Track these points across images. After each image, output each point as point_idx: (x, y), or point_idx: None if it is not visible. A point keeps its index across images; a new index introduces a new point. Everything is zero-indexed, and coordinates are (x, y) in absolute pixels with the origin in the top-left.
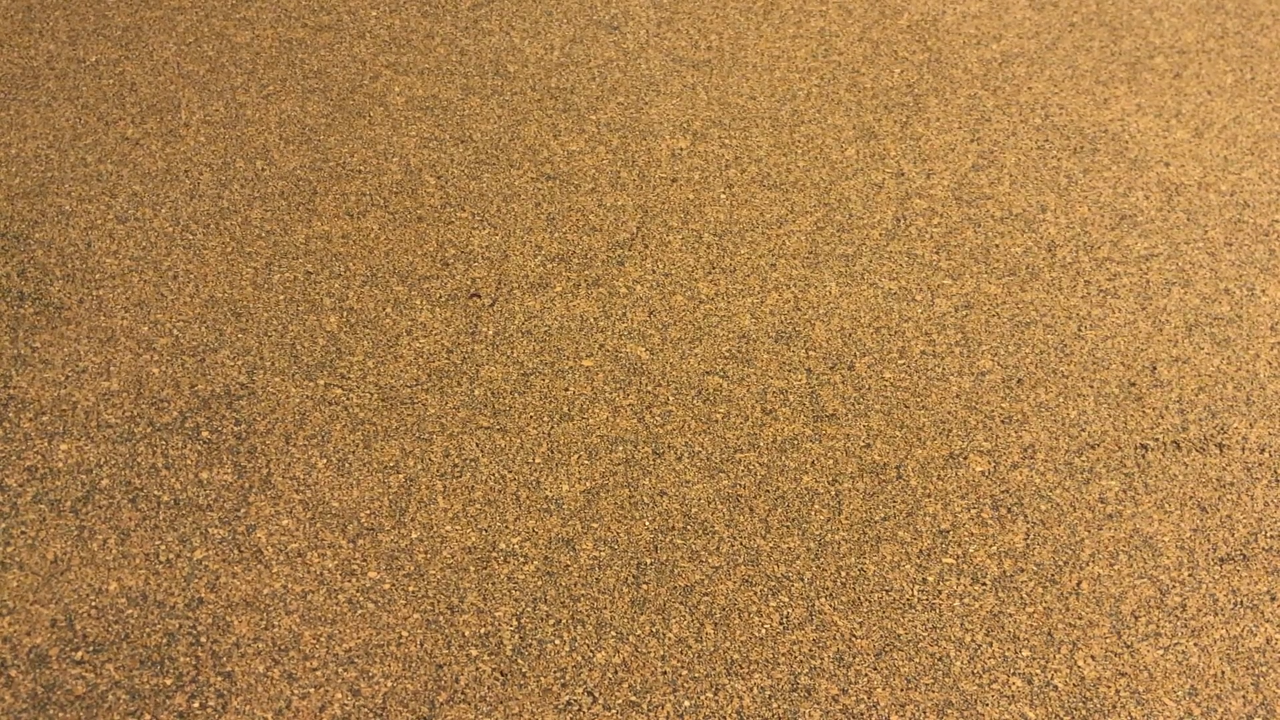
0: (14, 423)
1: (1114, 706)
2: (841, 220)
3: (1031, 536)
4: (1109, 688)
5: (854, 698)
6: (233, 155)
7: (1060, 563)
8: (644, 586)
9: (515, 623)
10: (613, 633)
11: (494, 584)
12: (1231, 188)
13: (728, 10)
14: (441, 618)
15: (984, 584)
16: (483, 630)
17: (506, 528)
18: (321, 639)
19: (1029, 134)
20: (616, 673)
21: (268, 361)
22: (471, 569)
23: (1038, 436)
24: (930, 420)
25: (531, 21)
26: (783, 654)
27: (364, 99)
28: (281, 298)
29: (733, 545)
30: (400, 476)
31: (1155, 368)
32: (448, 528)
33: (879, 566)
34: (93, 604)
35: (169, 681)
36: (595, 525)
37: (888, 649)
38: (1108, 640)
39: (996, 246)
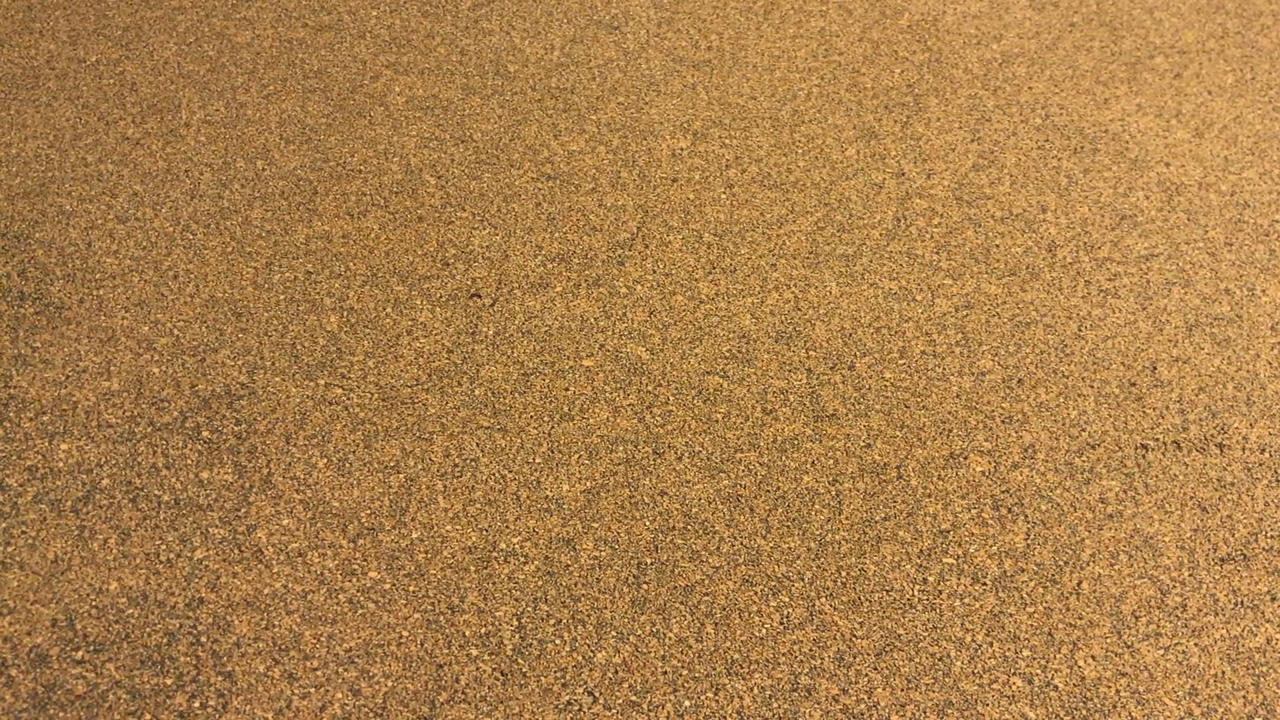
0: (14, 423)
1: (1114, 706)
2: (842, 220)
3: (1032, 536)
4: (1109, 688)
5: (854, 698)
6: (233, 155)
7: (1060, 563)
8: (644, 586)
9: (515, 623)
10: (613, 633)
11: (494, 584)
12: (1232, 188)
13: (728, 10)
14: (442, 618)
15: (984, 584)
16: (483, 630)
17: (507, 527)
18: (322, 639)
19: (1029, 134)
20: (617, 673)
21: (268, 361)
22: (472, 569)
23: (1038, 436)
24: (930, 420)
25: (531, 21)
26: (783, 654)
27: (364, 99)
28: (282, 298)
29: (733, 545)
30: (400, 476)
31: (1155, 368)
32: (448, 527)
33: (879, 566)
34: (93, 604)
35: (169, 681)
36: (595, 525)
37: (888, 649)
38: (1108, 640)
39: (997, 246)
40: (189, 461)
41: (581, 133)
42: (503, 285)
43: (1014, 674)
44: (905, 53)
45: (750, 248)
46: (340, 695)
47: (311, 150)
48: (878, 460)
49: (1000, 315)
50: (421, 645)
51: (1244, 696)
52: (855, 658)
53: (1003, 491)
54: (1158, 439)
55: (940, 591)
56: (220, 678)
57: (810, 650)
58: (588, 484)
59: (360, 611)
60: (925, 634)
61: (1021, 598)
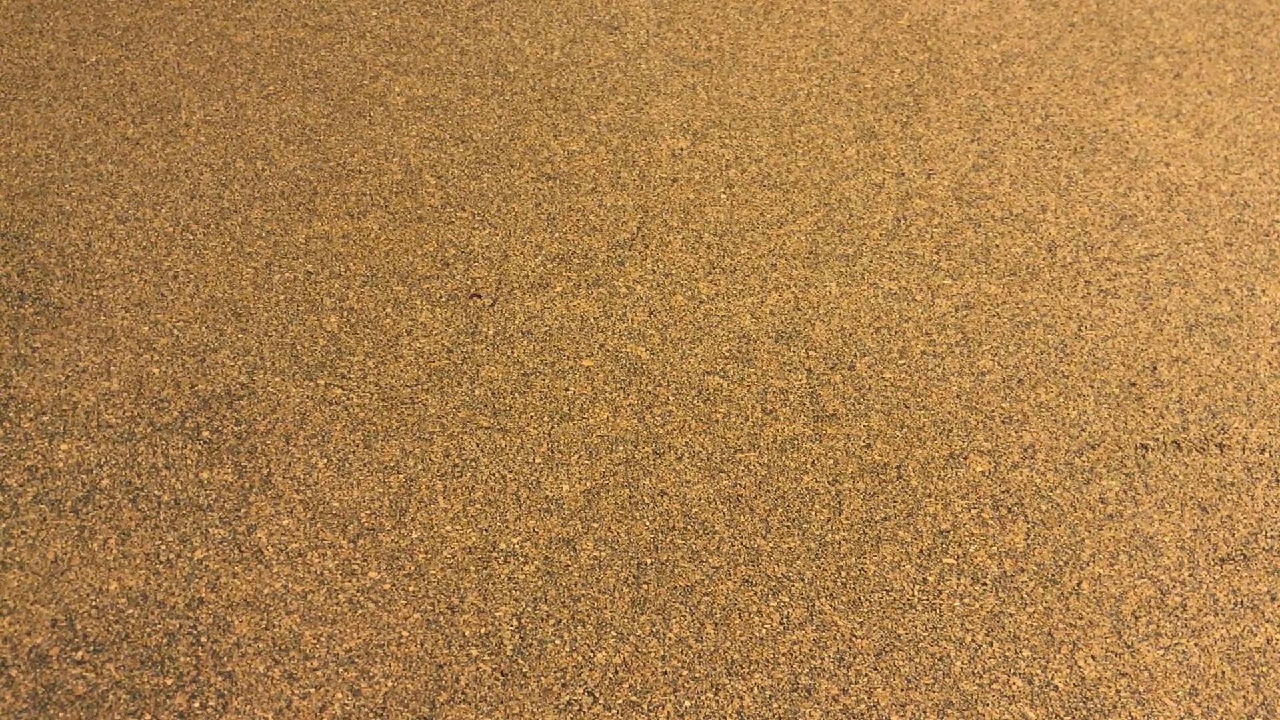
0: (14, 423)
1: (1114, 706)
2: (842, 220)
3: (1032, 536)
4: (1109, 688)
5: (854, 698)
6: (233, 155)
7: (1060, 563)
8: (644, 586)
9: (515, 623)
10: (613, 633)
11: (494, 584)
12: (1231, 188)
13: (728, 10)
14: (442, 618)
15: (984, 584)
16: (483, 630)
17: (507, 528)
18: (322, 639)
19: (1029, 134)
20: (617, 673)
21: (268, 361)
22: (472, 569)
23: (1038, 436)
24: (930, 420)
25: (531, 21)
26: (783, 654)
27: (364, 99)
28: (281, 298)
29: (733, 545)
30: (400, 476)
31: (1155, 368)
32: (448, 528)
33: (879, 566)
34: (93, 604)
35: (169, 681)
36: (595, 525)
37: (888, 649)
38: (1108, 640)
39: (996, 246)
40: (189, 462)
41: (581, 133)
42: (503, 285)
43: (1014, 674)
44: (905, 53)
45: (750, 248)
46: (340, 695)
47: (311, 150)
48: (878, 460)
49: (1000, 315)
50: (421, 645)
51: (1244, 696)
52: (855, 658)
53: (1003, 491)
54: (1158, 439)
55: (940, 591)
56: (220, 678)
57: (810, 650)
58: (588, 484)
59: (360, 612)
60: (925, 634)
61: (1021, 598)
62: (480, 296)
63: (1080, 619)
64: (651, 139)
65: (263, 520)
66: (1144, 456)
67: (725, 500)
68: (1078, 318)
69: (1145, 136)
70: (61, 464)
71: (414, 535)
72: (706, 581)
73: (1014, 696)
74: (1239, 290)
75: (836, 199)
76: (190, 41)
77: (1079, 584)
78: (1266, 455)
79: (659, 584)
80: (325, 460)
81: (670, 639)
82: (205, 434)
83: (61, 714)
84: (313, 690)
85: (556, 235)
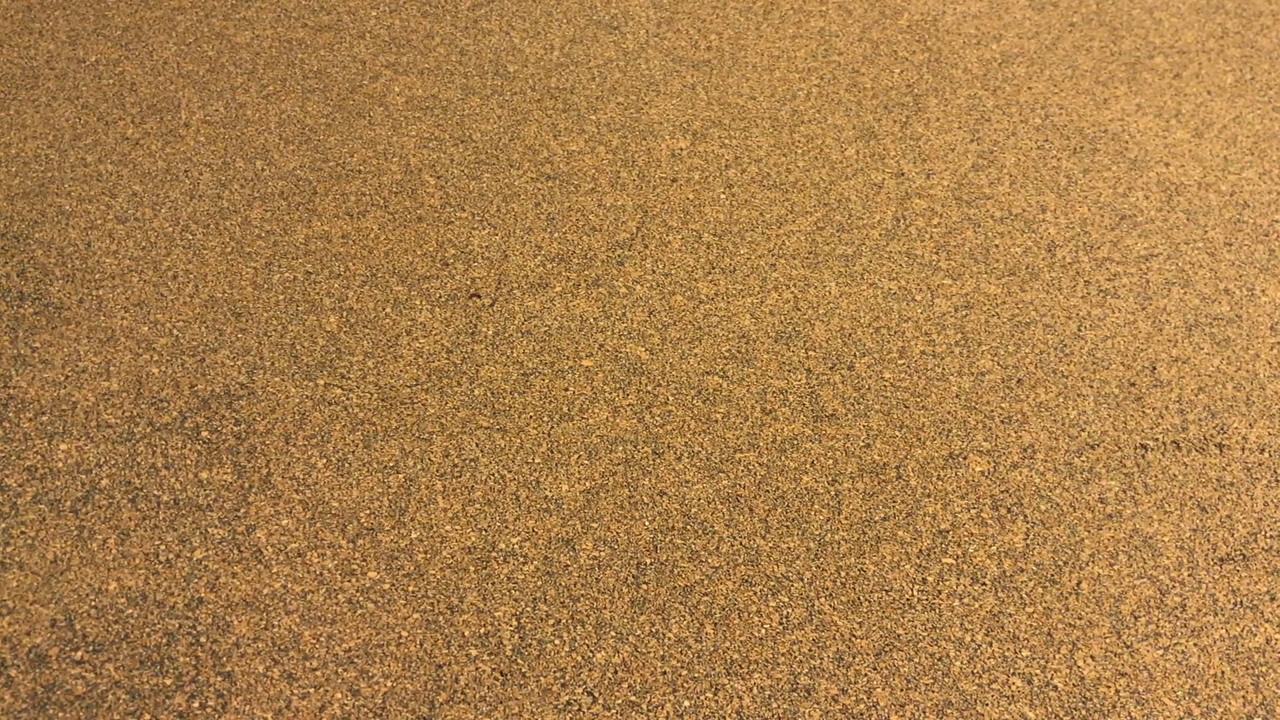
0: (14, 423)
1: (1114, 706)
2: (841, 220)
3: (1031, 536)
4: (1109, 688)
5: (854, 698)
6: (233, 155)
7: (1060, 563)
8: (644, 586)
9: (515, 623)
10: (613, 633)
11: (494, 584)
12: (1231, 188)
13: (728, 10)
14: (441, 618)
15: (984, 584)
16: (483, 630)
17: (506, 528)
18: (321, 639)
19: (1029, 134)
20: (616, 673)
21: (268, 361)
22: (471, 569)
23: (1037, 436)
24: (930, 420)
25: (531, 21)
26: (782, 654)
27: (364, 99)
28: (281, 298)
29: (733, 545)
30: (400, 476)
31: (1155, 368)
32: (448, 528)
33: (879, 566)
34: (93, 604)
35: (169, 681)
36: (595, 525)
37: (888, 649)
38: (1108, 640)
39: (996, 246)
40: (188, 461)
41: (581, 133)
42: (502, 285)
43: (1013, 674)
44: (905, 53)
45: (750, 248)
46: (340, 695)
47: (311, 150)
48: (877, 460)
49: (1000, 315)
50: (421, 645)
51: (1243, 696)
52: (855, 658)
53: (1002, 491)
54: (1157, 439)
55: (940, 591)
56: (220, 678)
57: (810, 650)
58: (587, 484)
59: (360, 612)
60: (925, 634)
61: (1021, 598)
62: (480, 296)
63: (1080, 619)
64: (651, 139)
65: (262, 520)
66: (1143, 456)
67: (725, 500)
68: (1077, 318)
69: (1145, 136)
70: (61, 464)
71: (413, 535)
72: (706, 581)
73: (1013, 696)
74: (1239, 290)
75: (836, 199)
76: (190, 41)
77: (1078, 584)
78: (1266, 455)
79: (658, 584)
80: (325, 460)
81: (670, 639)
82: (205, 434)
83: (61, 714)
84: (312, 690)
85: (556, 235)
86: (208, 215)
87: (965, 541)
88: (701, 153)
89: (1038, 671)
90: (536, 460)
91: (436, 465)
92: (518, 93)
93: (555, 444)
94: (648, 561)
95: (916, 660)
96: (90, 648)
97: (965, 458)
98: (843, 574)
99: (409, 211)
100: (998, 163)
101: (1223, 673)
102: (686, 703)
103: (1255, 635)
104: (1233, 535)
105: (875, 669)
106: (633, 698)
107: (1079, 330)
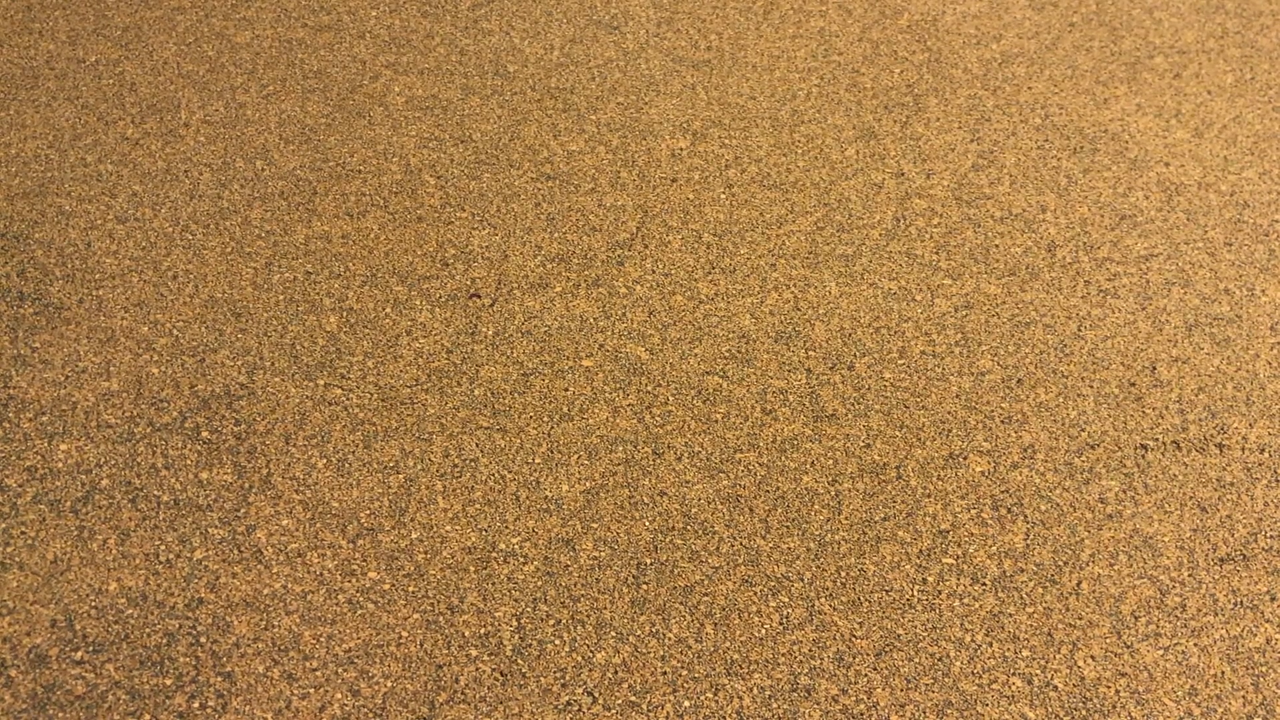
0: (14, 423)
1: (1114, 707)
2: (841, 220)
3: (1031, 536)
4: (1109, 688)
5: (854, 698)
6: (233, 155)
7: (1060, 563)
8: (644, 586)
9: (515, 623)
10: (613, 633)
11: (494, 584)
12: (1231, 188)
13: (728, 10)
14: (441, 618)
15: (984, 584)
16: (483, 630)
17: (506, 528)
18: (321, 639)
19: (1029, 134)
20: (616, 673)
21: (268, 361)
22: (471, 569)
23: (1038, 436)
24: (930, 420)
25: (531, 21)
26: (783, 654)
27: (364, 99)
28: (281, 298)
29: (733, 545)
30: (400, 476)
31: (1155, 368)
32: (448, 528)
33: (879, 566)
34: (93, 604)
35: (169, 681)
36: (595, 525)
37: (888, 649)
38: (1108, 640)
39: (996, 246)
40: (188, 462)
41: (581, 133)
42: (502, 285)
43: (1013, 674)
44: (905, 53)
45: (750, 248)
46: (340, 696)
47: (311, 150)
48: (877, 460)
49: (1000, 315)
50: (421, 646)
51: (1244, 696)
52: (855, 658)
53: (1002, 491)
54: (1157, 439)
55: (940, 591)
56: (220, 678)
57: (810, 650)
58: (587, 484)
59: (360, 612)
60: (925, 634)
61: (1021, 598)
62: (480, 296)
63: (1080, 619)
64: (651, 139)
65: (262, 520)
66: (1143, 456)
67: (725, 500)
68: (1077, 318)
69: (1145, 136)
70: (61, 464)
71: (413, 535)
72: (706, 582)
73: (1013, 696)
74: (1238, 290)
75: (836, 199)
76: (190, 41)
77: (1078, 584)
78: (1266, 455)
79: (658, 584)
80: (325, 460)
81: (670, 639)
82: (205, 434)
83: (61, 714)
84: (312, 690)
85: (556, 235)
86: (208, 215)
87: (965, 541)
88: (701, 153)
89: (1038, 672)
90: (536, 460)
91: (436, 465)
92: (518, 93)
93: (555, 444)
94: (648, 562)
95: (917, 660)
96: (90, 648)
97: (965, 458)
98: (843, 574)
99: (409, 211)
100: (998, 163)
101: (1223, 673)
102: (687, 703)
103: (1255, 635)
104: (1233, 535)
105: (875, 669)
106: (633, 698)
107: (1079, 330)
